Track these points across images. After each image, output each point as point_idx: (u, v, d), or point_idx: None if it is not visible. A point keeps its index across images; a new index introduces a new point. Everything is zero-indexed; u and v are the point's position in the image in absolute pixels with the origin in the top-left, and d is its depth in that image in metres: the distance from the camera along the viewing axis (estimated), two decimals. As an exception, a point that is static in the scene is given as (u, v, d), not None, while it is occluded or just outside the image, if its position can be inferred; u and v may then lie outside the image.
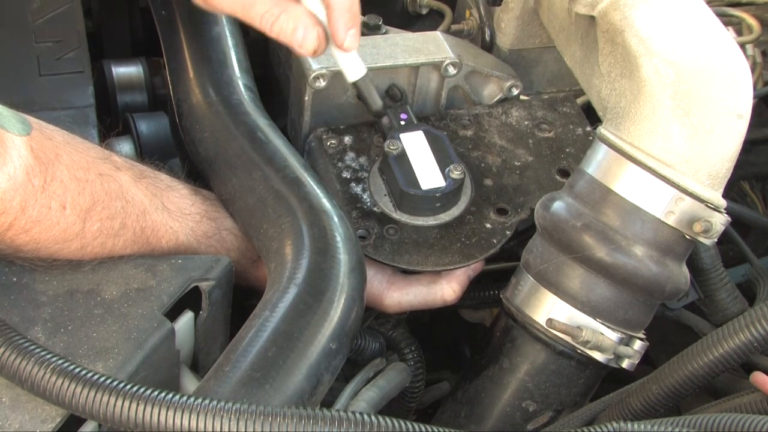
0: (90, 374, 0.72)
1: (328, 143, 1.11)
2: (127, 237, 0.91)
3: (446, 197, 1.05)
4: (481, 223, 1.07)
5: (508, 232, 1.06)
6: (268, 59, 1.30)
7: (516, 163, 1.13)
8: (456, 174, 1.05)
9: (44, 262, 0.86)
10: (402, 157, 1.06)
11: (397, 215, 1.06)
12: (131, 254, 0.91)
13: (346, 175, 1.09)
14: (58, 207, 0.84)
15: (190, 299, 0.88)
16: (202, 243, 0.97)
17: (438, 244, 1.04)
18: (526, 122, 1.17)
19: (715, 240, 0.95)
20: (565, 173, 1.11)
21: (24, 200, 0.81)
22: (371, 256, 1.02)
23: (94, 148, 0.92)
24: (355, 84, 1.01)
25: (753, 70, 1.25)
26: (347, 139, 1.12)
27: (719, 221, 0.92)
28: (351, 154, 1.11)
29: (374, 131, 1.13)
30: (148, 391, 0.70)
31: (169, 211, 0.95)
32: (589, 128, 1.16)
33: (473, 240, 1.05)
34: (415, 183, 1.05)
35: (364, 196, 1.08)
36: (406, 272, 1.09)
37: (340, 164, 1.10)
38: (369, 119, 1.15)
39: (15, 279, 0.85)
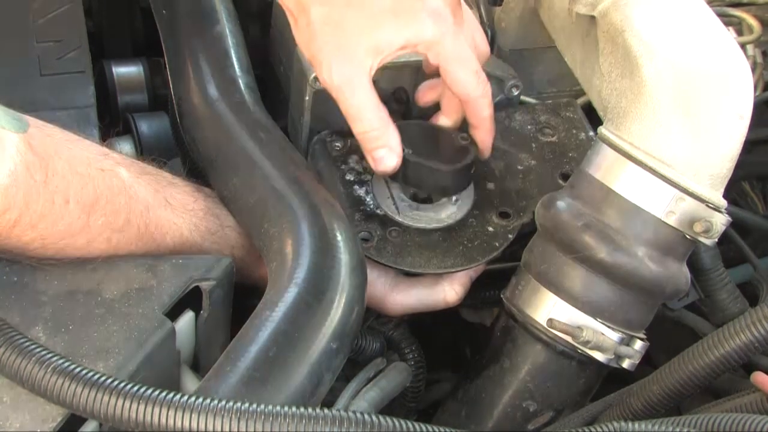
0: (91, 374, 0.71)
1: (333, 145, 1.12)
2: (131, 233, 0.90)
3: (452, 176, 1.04)
4: (484, 226, 1.07)
5: (510, 236, 1.06)
6: (269, 59, 1.30)
7: (519, 167, 1.12)
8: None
9: (51, 260, 0.86)
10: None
11: (400, 218, 1.06)
12: (136, 251, 0.91)
13: (349, 177, 1.09)
14: (62, 201, 0.84)
15: (191, 299, 0.88)
16: (206, 239, 0.97)
17: (440, 246, 1.04)
18: (529, 126, 1.17)
19: (716, 240, 0.94)
20: (567, 178, 1.10)
21: (27, 195, 0.81)
22: (374, 258, 1.02)
23: (93, 146, 0.92)
24: None
25: (753, 70, 1.25)
26: (351, 142, 1.12)
27: (720, 221, 0.92)
28: (355, 157, 1.11)
29: None
30: (149, 391, 0.70)
31: (172, 207, 0.95)
32: (591, 133, 1.16)
33: (475, 243, 1.05)
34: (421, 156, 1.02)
35: (367, 199, 1.08)
36: (408, 275, 1.09)
37: (343, 167, 1.10)
38: None
39: (16, 278, 0.85)
